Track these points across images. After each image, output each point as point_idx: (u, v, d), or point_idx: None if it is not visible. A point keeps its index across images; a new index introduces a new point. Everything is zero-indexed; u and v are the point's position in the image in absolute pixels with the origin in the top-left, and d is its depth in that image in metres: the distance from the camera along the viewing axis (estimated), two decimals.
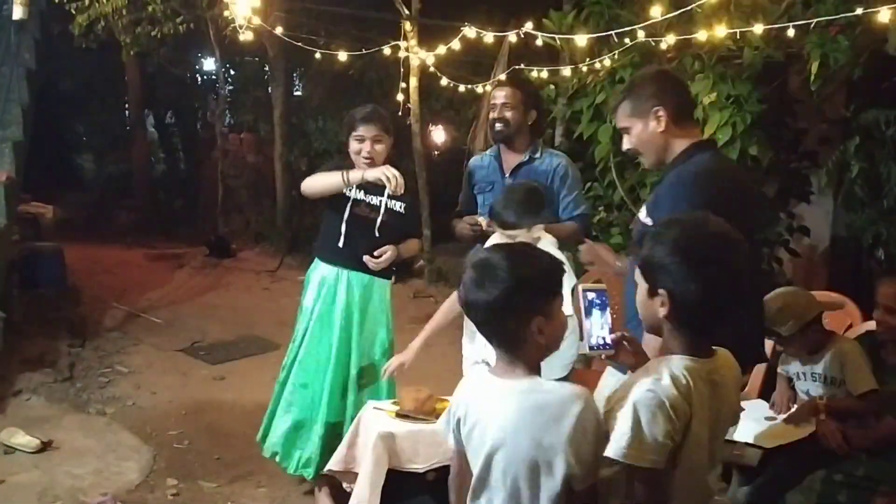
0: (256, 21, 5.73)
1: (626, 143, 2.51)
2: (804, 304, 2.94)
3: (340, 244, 3.36)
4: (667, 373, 1.62)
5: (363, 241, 3.34)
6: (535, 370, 1.74)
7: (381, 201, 3.36)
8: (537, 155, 3.48)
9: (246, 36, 5.86)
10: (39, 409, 4.49)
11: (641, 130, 2.42)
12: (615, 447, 1.60)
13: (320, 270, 3.46)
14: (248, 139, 11.52)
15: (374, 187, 3.33)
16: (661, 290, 1.65)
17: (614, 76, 4.89)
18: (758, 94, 4.22)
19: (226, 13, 5.67)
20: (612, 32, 3.89)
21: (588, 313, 1.84)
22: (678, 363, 1.64)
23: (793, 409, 3.00)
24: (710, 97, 4.16)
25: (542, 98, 3.78)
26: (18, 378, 4.79)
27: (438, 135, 9.62)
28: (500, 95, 3.50)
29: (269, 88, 10.41)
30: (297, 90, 11.73)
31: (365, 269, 3.35)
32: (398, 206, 3.40)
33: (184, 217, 11.93)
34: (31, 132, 6.55)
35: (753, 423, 2.91)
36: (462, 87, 6.53)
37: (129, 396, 4.85)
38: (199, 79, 13.30)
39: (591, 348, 1.84)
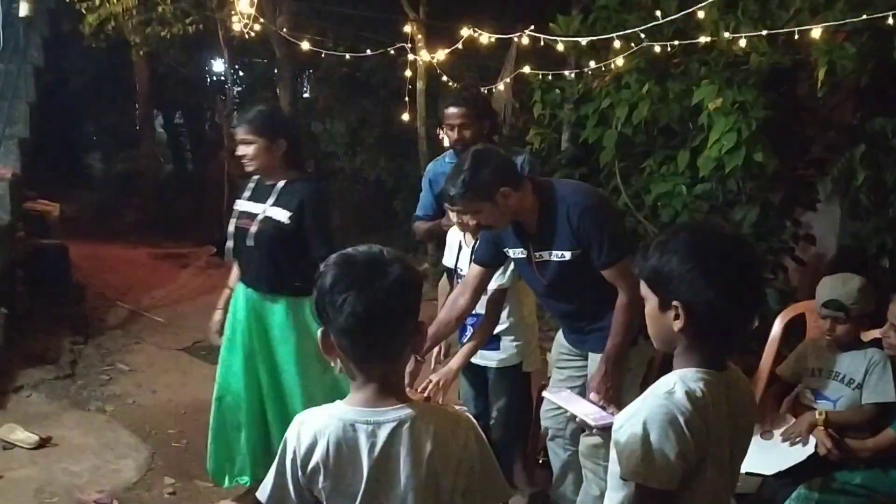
0: (262, 21, 5.73)
1: (478, 221, 2.70)
2: (873, 295, 2.87)
3: (232, 257, 3.27)
4: (681, 387, 1.52)
5: (242, 255, 3.21)
6: None
7: (262, 209, 3.16)
8: None
9: (250, 36, 5.87)
10: (39, 406, 4.50)
11: (492, 210, 2.65)
12: (623, 465, 1.52)
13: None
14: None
15: (264, 193, 3.18)
16: (674, 303, 1.54)
17: (620, 81, 4.87)
18: (764, 101, 4.19)
19: (232, 13, 5.67)
20: (614, 35, 3.86)
21: (573, 403, 1.96)
22: (694, 376, 1.55)
23: (789, 424, 2.90)
24: (716, 103, 4.13)
25: (491, 104, 3.77)
26: (20, 374, 4.80)
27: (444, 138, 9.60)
28: (454, 115, 3.44)
29: (277, 90, 10.43)
30: (305, 92, 11.74)
31: (250, 283, 3.23)
32: (281, 214, 3.11)
33: (190, 217, 11.95)
34: (39, 130, 6.58)
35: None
36: None
37: (129, 394, 4.86)
38: (208, 80, 13.34)
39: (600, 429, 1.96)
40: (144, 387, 5.01)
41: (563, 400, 2.03)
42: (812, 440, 2.76)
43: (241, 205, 3.26)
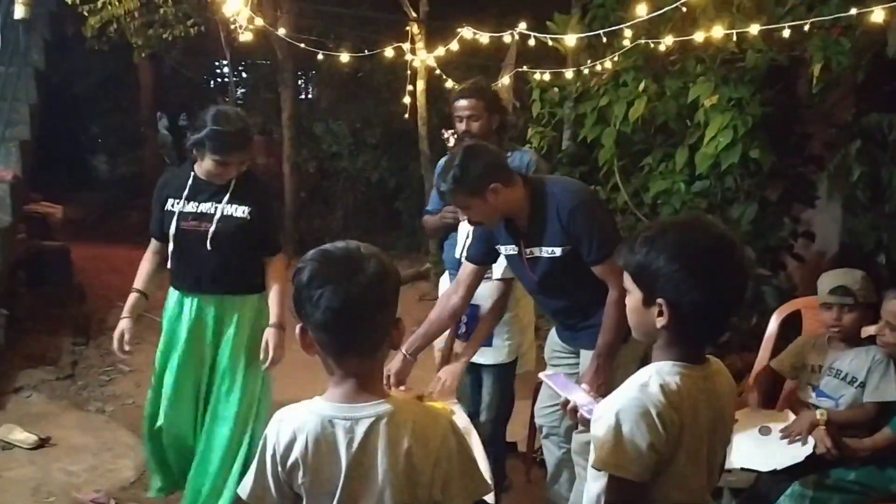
0: (259, 22, 5.74)
1: (469, 216, 2.76)
2: (874, 287, 2.87)
3: (172, 265, 3.07)
4: (656, 380, 1.54)
5: (194, 259, 3.01)
6: None
7: (215, 207, 2.98)
8: (508, 154, 3.47)
9: (245, 36, 5.88)
10: (39, 406, 4.53)
11: (482, 205, 2.65)
12: (596, 455, 1.54)
13: (170, 295, 3.18)
14: (259, 141, 11.56)
15: (211, 192, 2.99)
16: (659, 300, 1.54)
17: (618, 79, 4.86)
18: (760, 98, 4.18)
19: (228, 14, 5.68)
20: (601, 32, 3.86)
21: (568, 390, 1.96)
22: (670, 370, 1.56)
23: (789, 421, 2.88)
24: (712, 100, 4.12)
25: (501, 100, 3.77)
26: (20, 375, 4.84)
27: (450, 138, 9.59)
28: (463, 107, 3.43)
29: (280, 91, 10.46)
30: (309, 93, 11.78)
31: (205, 287, 3.05)
32: (241, 211, 2.99)
33: None
34: (44, 133, 6.60)
35: (746, 440, 2.81)
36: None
37: (129, 395, 4.87)
38: (212, 82, 13.39)
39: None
40: (144, 387, 4.96)
41: (559, 385, 2.00)
42: (811, 440, 2.74)
43: (183, 205, 3.02)
